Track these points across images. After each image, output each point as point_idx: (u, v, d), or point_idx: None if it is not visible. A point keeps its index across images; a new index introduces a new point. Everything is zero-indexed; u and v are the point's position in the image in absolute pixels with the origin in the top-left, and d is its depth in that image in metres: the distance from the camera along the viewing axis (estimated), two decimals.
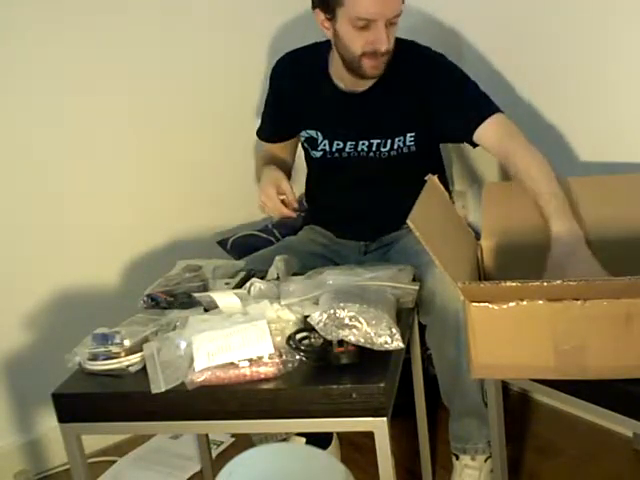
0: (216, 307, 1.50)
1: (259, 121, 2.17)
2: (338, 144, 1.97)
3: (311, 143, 2.03)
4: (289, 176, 2.05)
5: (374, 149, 1.94)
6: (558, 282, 1.26)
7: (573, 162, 1.98)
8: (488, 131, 1.80)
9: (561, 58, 1.95)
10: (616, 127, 1.87)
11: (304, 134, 2.03)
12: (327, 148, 1.99)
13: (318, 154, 2.02)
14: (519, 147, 1.75)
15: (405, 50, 1.90)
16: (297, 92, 2.02)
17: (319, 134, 1.99)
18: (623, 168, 1.83)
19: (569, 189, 1.65)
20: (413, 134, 1.91)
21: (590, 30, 1.86)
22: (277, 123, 2.11)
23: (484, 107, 1.83)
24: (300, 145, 2.12)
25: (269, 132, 2.15)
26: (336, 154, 1.99)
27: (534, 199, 1.63)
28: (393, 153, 1.93)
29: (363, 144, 1.95)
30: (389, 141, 1.92)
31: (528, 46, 2.02)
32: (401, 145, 1.92)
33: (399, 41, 1.88)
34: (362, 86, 1.93)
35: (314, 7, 1.85)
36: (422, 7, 2.23)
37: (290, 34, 2.37)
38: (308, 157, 2.09)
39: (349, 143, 1.96)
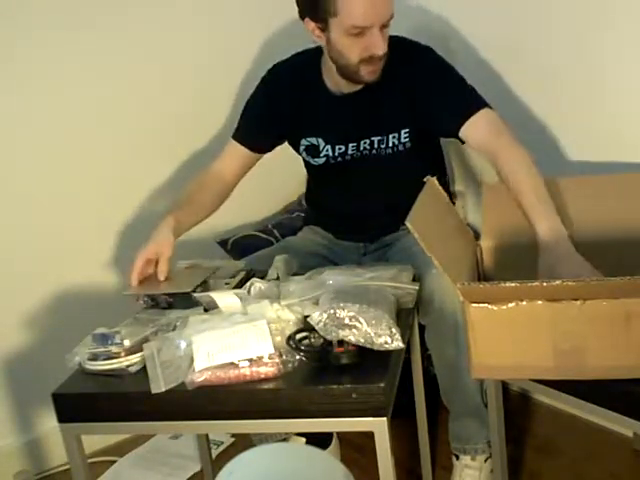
0: (216, 307, 1.51)
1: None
2: (340, 148, 1.95)
3: (312, 151, 1.99)
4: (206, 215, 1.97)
5: (375, 146, 1.93)
6: (558, 282, 1.26)
7: (568, 162, 1.98)
8: (474, 128, 1.78)
9: (556, 55, 1.95)
10: (613, 126, 1.87)
11: (304, 142, 1.99)
12: (330, 153, 1.97)
13: (320, 161, 1.99)
14: (504, 148, 1.71)
15: (395, 46, 1.86)
16: (294, 101, 1.98)
17: (320, 140, 1.97)
18: (620, 168, 1.83)
19: (565, 189, 1.65)
20: (407, 130, 1.90)
21: (587, 27, 1.86)
22: (264, 129, 2.02)
23: (471, 102, 1.81)
24: (300, 154, 2.05)
25: (250, 135, 2.02)
26: (339, 158, 1.96)
27: (518, 201, 1.61)
28: (391, 150, 1.92)
29: (365, 143, 1.93)
30: (387, 138, 1.91)
31: (524, 44, 2.02)
32: (396, 142, 1.91)
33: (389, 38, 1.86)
34: (357, 87, 1.91)
35: (302, 17, 1.81)
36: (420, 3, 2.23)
37: (290, 34, 2.37)
38: (308, 165, 2.06)
39: (351, 145, 1.94)
